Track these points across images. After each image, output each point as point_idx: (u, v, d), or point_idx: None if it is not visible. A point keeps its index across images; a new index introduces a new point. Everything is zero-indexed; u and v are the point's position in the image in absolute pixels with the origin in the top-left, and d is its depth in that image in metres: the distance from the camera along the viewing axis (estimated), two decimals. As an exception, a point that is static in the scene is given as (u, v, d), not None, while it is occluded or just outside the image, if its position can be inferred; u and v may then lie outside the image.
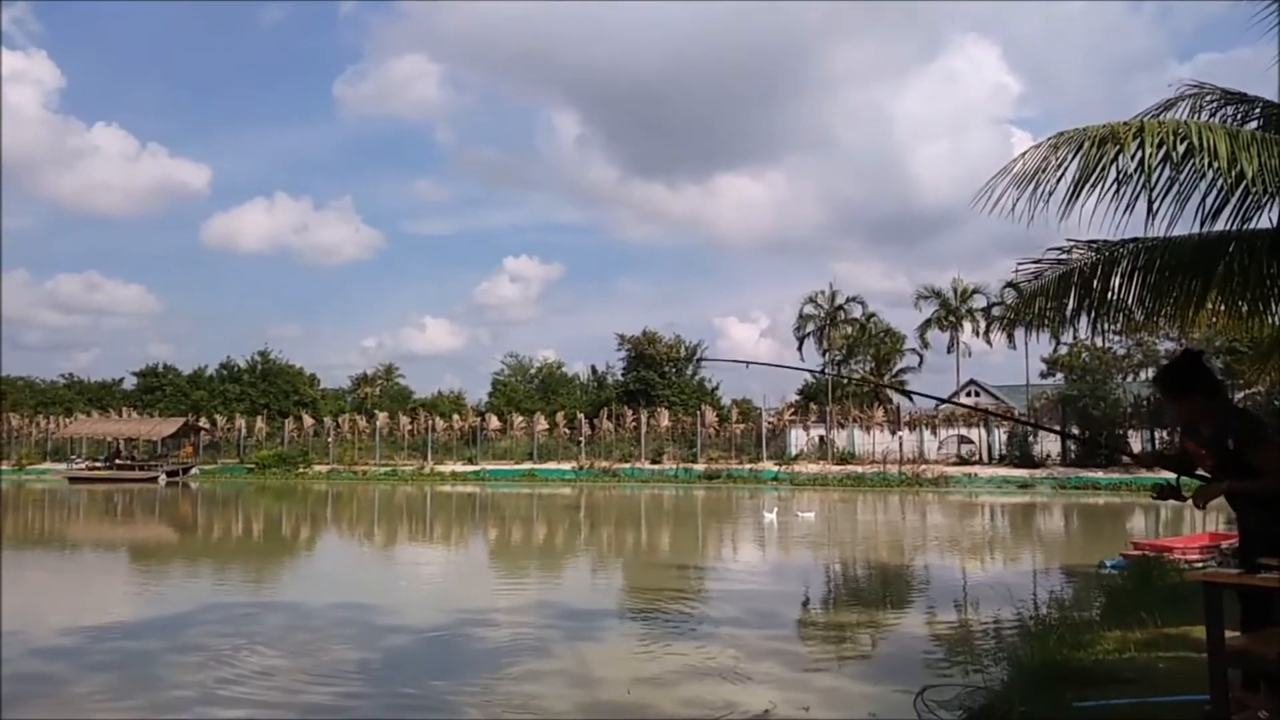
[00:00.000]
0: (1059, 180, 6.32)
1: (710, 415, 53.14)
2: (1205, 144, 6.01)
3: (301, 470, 51.32)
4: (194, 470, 52.72)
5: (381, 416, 57.75)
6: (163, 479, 48.06)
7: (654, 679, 7.72)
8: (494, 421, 55.66)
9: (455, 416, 57.75)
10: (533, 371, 68.60)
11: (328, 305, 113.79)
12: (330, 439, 56.22)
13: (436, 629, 10.37)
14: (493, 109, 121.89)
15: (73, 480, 48.33)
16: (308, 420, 58.61)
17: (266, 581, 15.87)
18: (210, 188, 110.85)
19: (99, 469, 51.03)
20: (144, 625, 10.75)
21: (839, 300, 57.64)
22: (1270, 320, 7.81)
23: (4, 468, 54.84)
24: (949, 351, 57.25)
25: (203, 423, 58.54)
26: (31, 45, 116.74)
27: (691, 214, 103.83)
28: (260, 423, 58.44)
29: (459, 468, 50.91)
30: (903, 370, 60.44)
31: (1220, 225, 6.76)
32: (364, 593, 13.32)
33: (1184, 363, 4.41)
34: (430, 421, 56.01)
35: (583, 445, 52.20)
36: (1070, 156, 6.31)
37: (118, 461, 52.17)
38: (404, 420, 57.42)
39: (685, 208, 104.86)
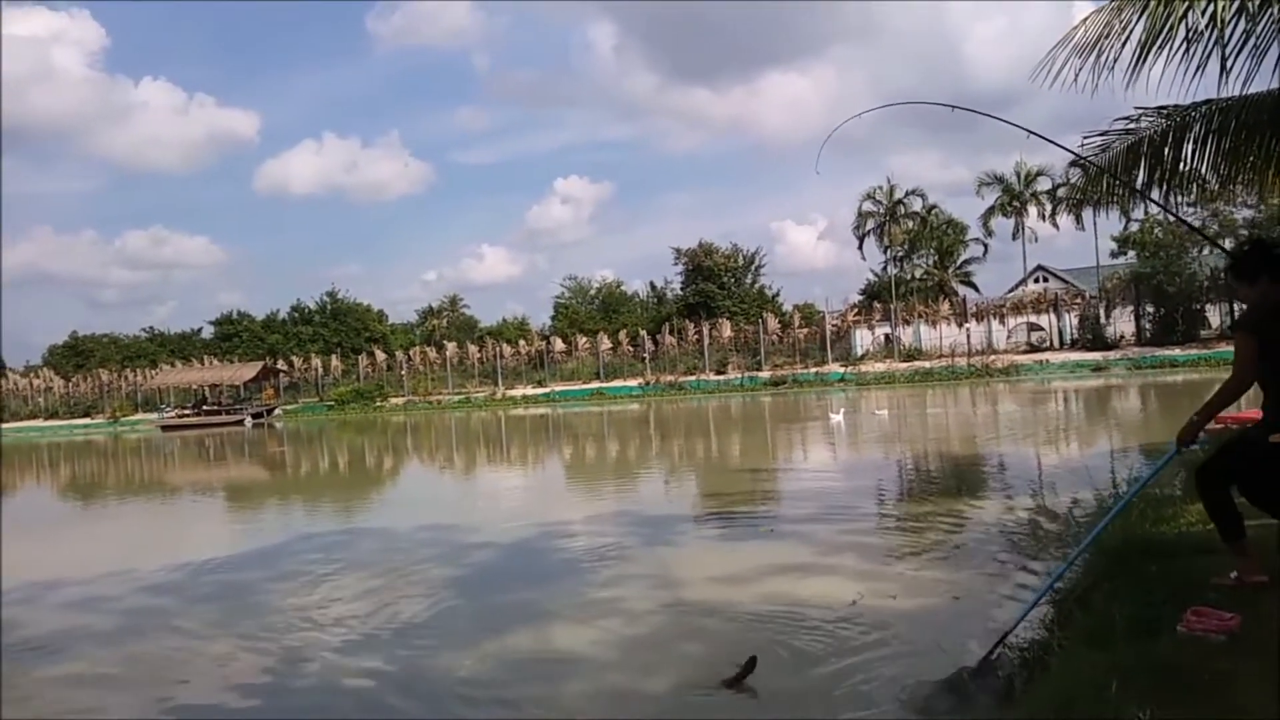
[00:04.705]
0: (1124, 45, 6.03)
1: (772, 322, 52.89)
2: (1285, -11, 5.66)
3: (379, 404, 52.80)
4: (277, 411, 54.57)
5: (450, 347, 58.82)
6: (249, 421, 49.89)
7: (736, 577, 7.90)
8: (559, 344, 56.26)
9: (521, 342, 58.54)
10: (592, 292, 68.88)
11: (386, 241, 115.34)
12: (403, 372, 57.55)
13: (521, 543, 10.74)
14: (526, 28, 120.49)
15: (165, 428, 50.45)
16: (380, 355, 60.02)
17: (356, 510, 16.50)
18: (259, 135, 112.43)
19: (188, 416, 53.15)
20: (244, 557, 11.28)
21: (898, 195, 56.31)
22: (1358, 177, 7.45)
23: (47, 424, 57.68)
24: (1014, 238, 55.84)
25: (280, 365, 60.36)
26: (73, 5, 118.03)
27: (738, 117, 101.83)
28: (335, 361, 60.07)
29: (529, 391, 51.76)
30: (967, 261, 59.17)
31: (1302, 78, 6.39)
32: (449, 514, 13.79)
33: (1253, 247, 4.55)
34: (498, 348, 56.88)
35: (647, 361, 52.51)
36: (1135, 18, 6.00)
37: (205, 407, 54.27)
38: (472, 349, 58.44)
39: (731, 111, 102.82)
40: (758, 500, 13.05)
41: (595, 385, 50.77)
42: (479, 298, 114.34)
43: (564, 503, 14.83)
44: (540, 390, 51.52)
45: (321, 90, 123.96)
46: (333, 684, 6.09)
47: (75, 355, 70.10)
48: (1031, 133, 6.91)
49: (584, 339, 56.25)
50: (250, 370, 57.03)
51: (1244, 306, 4.51)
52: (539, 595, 7.99)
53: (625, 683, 5.65)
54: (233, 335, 67.83)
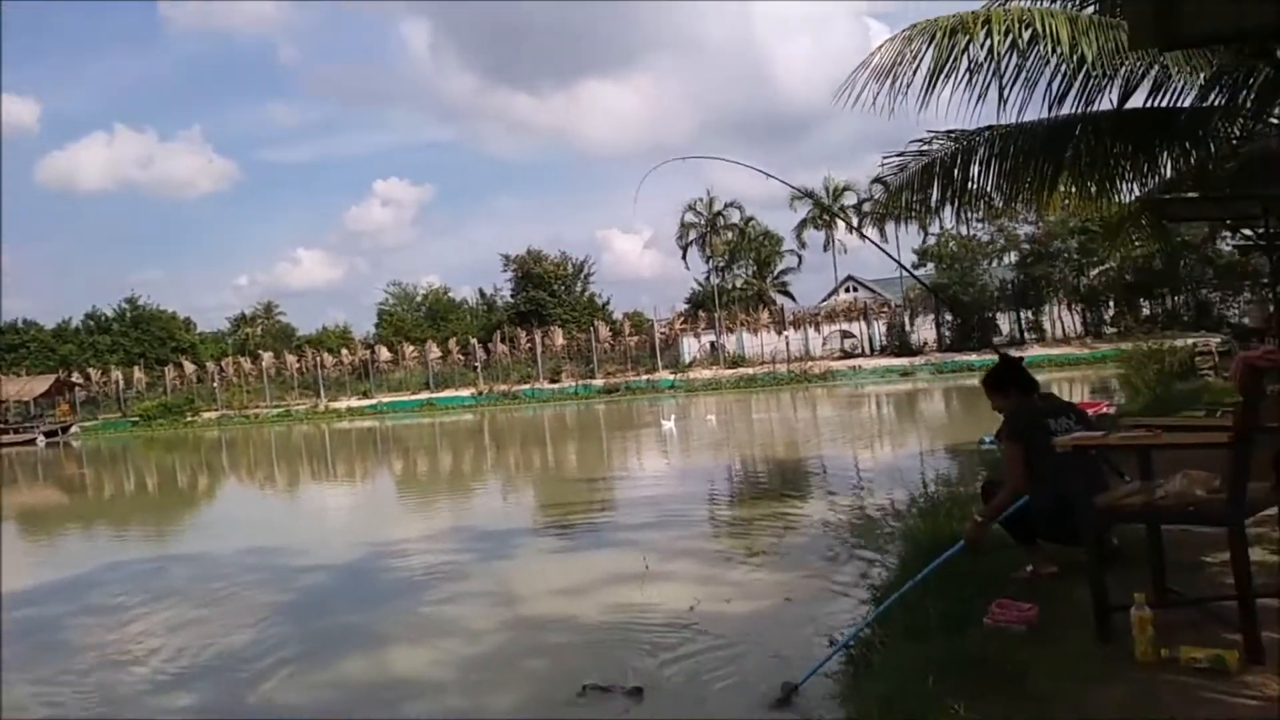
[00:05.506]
0: (915, 72, 6.54)
1: (604, 330, 53.41)
2: (1048, 30, 6.30)
3: (190, 419, 49.68)
4: (74, 428, 50.46)
5: (266, 356, 56.04)
6: (41, 440, 45.93)
7: (576, 588, 7.95)
8: (384, 353, 54.70)
9: (344, 351, 56.52)
10: (419, 299, 67.27)
11: (189, 243, 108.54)
12: (215, 384, 54.41)
13: (350, 564, 10.40)
14: (337, 23, 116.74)
15: (-61, 450, 45.60)
16: (189, 366, 56.51)
17: (169, 535, 15.48)
18: (40, 123, 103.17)
19: (-33, 436, 48.23)
20: (45, 591, 10.39)
21: (717, 206, 58.13)
22: (1116, 197, 8.36)
23: None
24: (825, 250, 58.91)
25: (75, 378, 55.77)
26: None
27: (560, 124, 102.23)
28: (138, 373, 56.14)
29: (354, 403, 50.04)
30: (784, 271, 61.80)
31: (1066, 109, 7.14)
32: (272, 536, 13.20)
33: (1002, 364, 5.26)
34: (319, 358, 54.68)
35: (479, 370, 51.85)
36: (924, 48, 6.51)
37: (-13, 426, 49.41)
38: (291, 359, 55.89)
39: (553, 117, 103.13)
40: (594, 509, 13.17)
41: (425, 396, 49.65)
42: (296, 304, 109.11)
43: (395, 520, 14.46)
44: (366, 402, 49.88)
45: (111, 78, 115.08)
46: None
47: None
48: (778, 179, 7.38)
49: (411, 348, 54.88)
50: (40, 384, 52.43)
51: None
52: (371, 618, 7.78)
53: (467, 704, 5.59)
54: (18, 345, 61.96)
